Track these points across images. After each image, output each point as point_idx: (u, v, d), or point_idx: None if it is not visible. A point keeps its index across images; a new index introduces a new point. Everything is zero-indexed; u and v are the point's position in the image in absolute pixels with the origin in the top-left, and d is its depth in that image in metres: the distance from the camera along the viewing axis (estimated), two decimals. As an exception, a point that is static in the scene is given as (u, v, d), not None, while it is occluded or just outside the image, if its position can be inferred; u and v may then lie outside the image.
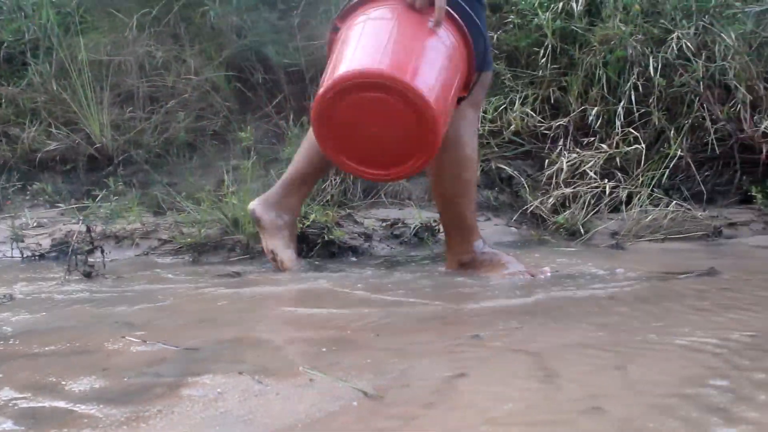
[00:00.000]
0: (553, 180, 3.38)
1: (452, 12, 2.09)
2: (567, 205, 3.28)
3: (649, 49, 3.55)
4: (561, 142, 3.53)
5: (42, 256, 2.81)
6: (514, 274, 2.33)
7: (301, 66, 3.80)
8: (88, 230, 2.78)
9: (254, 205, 2.59)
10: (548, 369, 1.36)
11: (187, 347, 1.50)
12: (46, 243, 2.91)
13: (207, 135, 3.82)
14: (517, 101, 3.59)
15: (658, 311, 1.86)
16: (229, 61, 3.92)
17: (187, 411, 1.13)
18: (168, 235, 2.93)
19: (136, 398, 1.19)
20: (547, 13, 3.64)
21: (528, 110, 3.58)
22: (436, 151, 2.02)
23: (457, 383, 1.28)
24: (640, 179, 3.34)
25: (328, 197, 3.35)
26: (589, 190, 3.29)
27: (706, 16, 3.61)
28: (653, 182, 3.32)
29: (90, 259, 2.56)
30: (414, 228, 2.98)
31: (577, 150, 3.47)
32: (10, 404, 1.18)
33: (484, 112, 3.52)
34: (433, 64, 2.04)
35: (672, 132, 3.46)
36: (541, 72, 3.64)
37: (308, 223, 2.77)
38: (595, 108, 3.52)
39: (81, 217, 3.10)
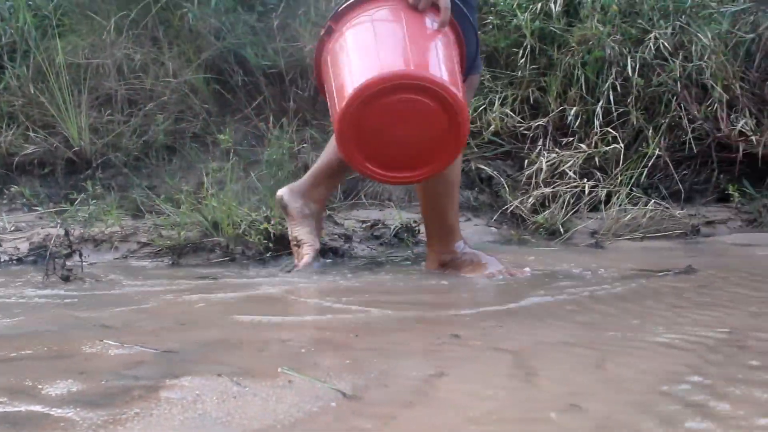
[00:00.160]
0: (533, 180, 3.40)
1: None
2: (547, 204, 3.29)
3: (627, 49, 3.57)
4: (540, 142, 3.54)
5: (20, 260, 2.78)
6: (494, 274, 2.33)
7: (280, 68, 3.79)
8: (67, 234, 2.75)
9: (282, 192, 2.61)
10: (528, 367, 1.37)
11: (166, 350, 1.49)
12: (23, 247, 2.89)
13: (186, 137, 3.80)
14: (496, 102, 3.61)
15: (637, 309, 1.88)
16: (208, 64, 3.90)
17: (165, 413, 1.13)
18: (147, 238, 2.91)
19: (114, 401, 1.18)
20: (526, 14, 3.65)
21: (507, 111, 3.59)
22: (462, 149, 2.02)
23: (437, 383, 1.28)
24: (619, 178, 3.36)
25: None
26: (569, 189, 3.30)
27: (683, 16, 3.65)
28: (632, 181, 3.34)
29: (68, 263, 2.54)
30: (394, 229, 2.98)
31: (557, 150, 3.48)
32: (-14, 409, 1.17)
33: (464, 112, 3.52)
34: (451, 64, 2.05)
35: (650, 131, 3.49)
36: (520, 72, 3.66)
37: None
38: (574, 108, 3.54)
39: (59, 221, 3.08)
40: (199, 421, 1.10)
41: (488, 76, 3.70)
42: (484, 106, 3.60)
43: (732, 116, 3.45)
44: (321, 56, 2.17)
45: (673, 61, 3.51)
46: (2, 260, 2.78)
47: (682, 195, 3.40)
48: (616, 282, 2.22)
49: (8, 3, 4.07)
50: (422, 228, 2.72)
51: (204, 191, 3.12)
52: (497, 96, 3.64)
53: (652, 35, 3.56)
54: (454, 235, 2.47)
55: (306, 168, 3.53)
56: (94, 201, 3.33)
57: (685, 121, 3.47)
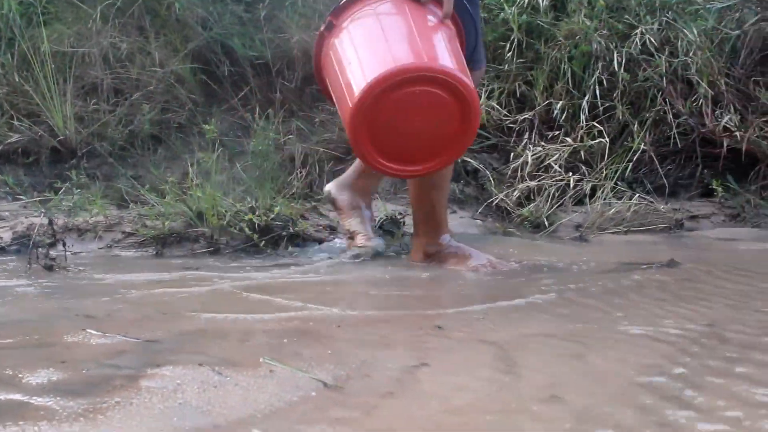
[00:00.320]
0: (518, 173, 3.40)
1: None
2: (532, 197, 3.30)
3: (614, 44, 3.58)
4: (526, 136, 3.55)
5: (3, 250, 2.76)
6: (478, 267, 2.34)
7: (267, 59, 3.77)
8: (50, 223, 2.74)
9: (329, 186, 2.68)
10: (510, 359, 1.38)
11: (148, 339, 1.49)
12: (7, 236, 2.87)
13: (172, 127, 3.78)
14: (483, 95, 3.61)
15: (620, 302, 1.89)
16: (195, 53, 3.88)
17: (146, 402, 1.13)
18: (131, 228, 2.90)
19: (95, 390, 1.18)
20: (513, 8, 3.65)
21: (494, 104, 3.59)
22: (473, 140, 2.07)
23: (419, 373, 1.29)
24: (604, 172, 3.37)
25: (294, 190, 3.34)
26: (554, 183, 3.31)
27: (670, 12, 3.66)
28: (617, 175, 3.36)
29: (52, 252, 2.52)
30: (379, 221, 2.98)
31: (542, 143, 3.49)
32: (-35, 397, 1.17)
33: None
34: (459, 55, 2.05)
35: (635, 126, 3.50)
36: (507, 66, 3.65)
37: (273, 215, 2.76)
38: (560, 102, 3.54)
39: (43, 210, 3.06)
40: (179, 410, 1.10)
41: (475, 69, 3.70)
42: (470, 99, 3.59)
43: (717, 112, 3.47)
44: (321, 51, 2.15)
45: (659, 57, 3.52)
46: (-15, 249, 2.77)
47: (667, 189, 3.42)
48: (600, 275, 2.23)
49: (-8, -10, 4.04)
50: (408, 220, 2.73)
51: (189, 182, 3.11)
52: (484, 89, 3.64)
53: (638, 30, 3.57)
54: (441, 227, 2.47)
55: (292, 159, 3.53)
56: (78, 190, 3.31)
57: (670, 116, 3.49)
